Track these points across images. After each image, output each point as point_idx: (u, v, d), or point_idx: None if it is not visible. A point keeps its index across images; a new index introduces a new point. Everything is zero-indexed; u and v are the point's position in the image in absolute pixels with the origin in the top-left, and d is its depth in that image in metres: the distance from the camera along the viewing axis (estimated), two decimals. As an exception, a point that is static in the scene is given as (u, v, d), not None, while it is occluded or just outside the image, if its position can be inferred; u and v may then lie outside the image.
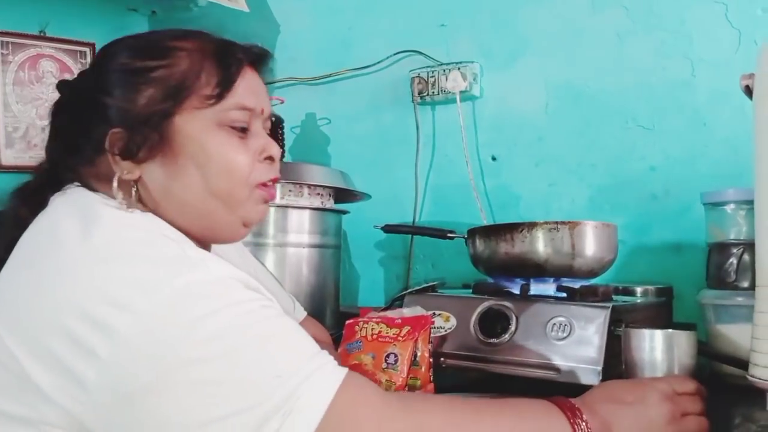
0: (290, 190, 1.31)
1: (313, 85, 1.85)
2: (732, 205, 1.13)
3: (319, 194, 1.34)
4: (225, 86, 0.70)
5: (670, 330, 0.84)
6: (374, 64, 1.74)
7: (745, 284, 1.09)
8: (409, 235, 1.65)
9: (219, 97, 0.69)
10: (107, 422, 0.57)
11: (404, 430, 0.59)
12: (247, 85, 0.73)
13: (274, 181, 0.76)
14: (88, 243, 0.62)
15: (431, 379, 1.04)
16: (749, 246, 1.08)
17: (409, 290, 1.20)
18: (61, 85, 0.78)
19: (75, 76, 0.79)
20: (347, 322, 1.09)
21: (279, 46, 1.93)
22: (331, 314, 1.38)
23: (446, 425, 0.61)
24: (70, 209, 0.67)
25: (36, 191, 0.73)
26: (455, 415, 0.62)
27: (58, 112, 0.77)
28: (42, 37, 1.91)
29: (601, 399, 0.71)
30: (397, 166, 1.70)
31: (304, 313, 1.04)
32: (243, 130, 0.72)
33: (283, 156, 1.70)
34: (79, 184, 0.73)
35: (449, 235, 1.31)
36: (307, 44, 1.88)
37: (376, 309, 1.19)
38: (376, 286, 1.74)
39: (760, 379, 0.75)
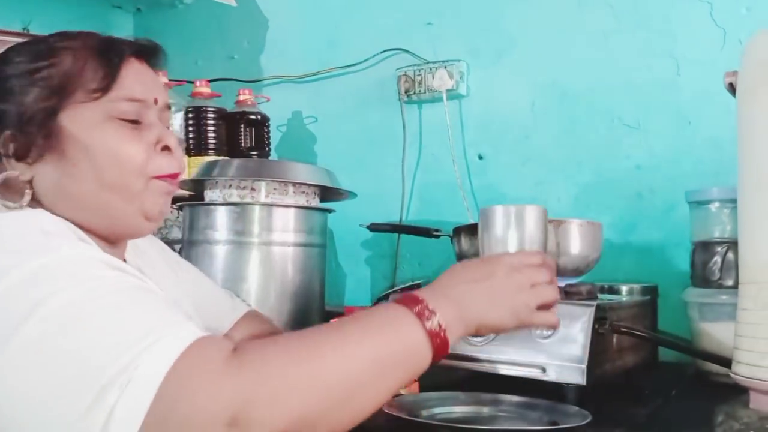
0: (275, 189, 1.30)
1: (300, 83, 1.84)
2: (716, 204, 1.13)
3: (304, 192, 1.34)
4: (109, 79, 0.70)
5: (521, 205, 0.86)
6: (361, 63, 1.73)
7: (730, 282, 1.10)
8: (396, 234, 1.64)
9: (104, 90, 0.70)
10: None
11: (241, 388, 0.55)
12: (136, 77, 0.73)
13: (174, 176, 0.75)
14: None
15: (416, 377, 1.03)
16: (733, 244, 1.09)
17: (394, 289, 1.20)
18: None
19: None
20: (330, 321, 1.08)
21: (265, 43, 1.92)
22: (317, 313, 1.37)
23: (286, 368, 0.57)
24: None
25: None
26: (294, 354, 0.58)
27: None
28: (26, 35, 1.88)
29: (449, 283, 0.71)
30: (384, 165, 1.70)
31: (245, 308, 0.99)
32: (135, 122, 0.73)
33: (268, 154, 1.70)
34: None
35: (435, 233, 1.30)
36: (294, 42, 1.87)
37: (362, 308, 1.19)
38: (362, 285, 1.74)
39: (743, 376, 0.75)
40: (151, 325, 0.57)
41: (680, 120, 1.38)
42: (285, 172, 1.32)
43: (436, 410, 0.92)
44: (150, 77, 0.76)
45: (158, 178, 0.73)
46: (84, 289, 0.59)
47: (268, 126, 1.69)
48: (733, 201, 1.08)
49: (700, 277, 1.14)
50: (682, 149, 1.37)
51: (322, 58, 1.80)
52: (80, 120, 0.70)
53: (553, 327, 0.81)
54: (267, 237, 1.29)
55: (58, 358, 0.55)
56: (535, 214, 0.86)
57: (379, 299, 1.30)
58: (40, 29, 1.91)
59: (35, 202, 0.72)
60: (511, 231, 0.85)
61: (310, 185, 1.34)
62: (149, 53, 0.76)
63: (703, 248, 1.14)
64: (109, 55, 0.72)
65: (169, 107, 0.78)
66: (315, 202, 1.37)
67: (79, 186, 0.70)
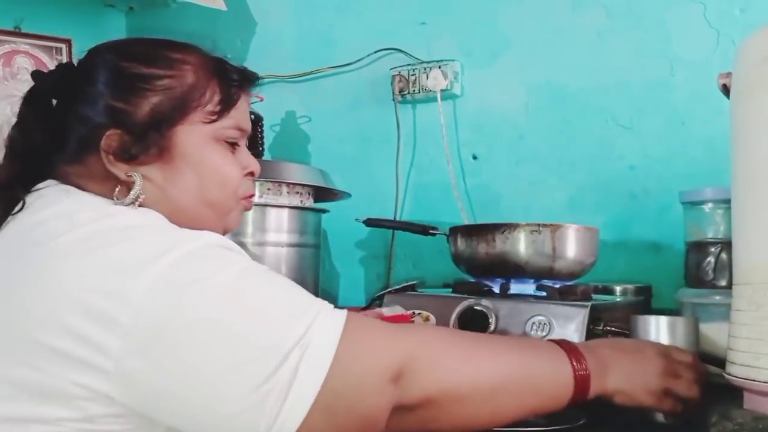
0: (269, 189, 1.29)
1: (293, 82, 1.84)
2: (710, 204, 1.13)
3: (298, 193, 1.33)
4: (227, 107, 0.75)
5: (674, 317, 0.89)
6: (354, 62, 1.73)
7: (723, 283, 1.10)
8: (390, 234, 1.64)
9: (220, 115, 0.74)
10: (135, 391, 0.58)
11: (407, 347, 0.63)
12: (243, 107, 0.79)
13: (251, 196, 0.83)
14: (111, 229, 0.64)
15: (410, 378, 1.03)
16: (727, 245, 1.09)
17: (389, 289, 1.20)
18: (46, 77, 0.77)
19: (54, 68, 0.79)
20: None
21: (258, 42, 1.92)
22: (311, 314, 1.36)
23: (447, 345, 0.65)
24: (78, 206, 0.68)
25: (8, 187, 0.72)
26: (456, 337, 0.68)
27: (36, 102, 0.76)
28: (17, 33, 1.87)
29: (603, 345, 0.76)
30: (378, 165, 1.69)
31: None
32: (233, 146, 0.78)
33: (262, 155, 1.69)
34: (56, 181, 0.73)
35: (431, 231, 1.30)
36: (287, 41, 1.86)
37: (356, 309, 1.19)
38: (356, 285, 1.73)
39: (737, 377, 0.75)
40: (308, 299, 0.64)
41: (674, 120, 1.38)
42: (279, 173, 1.31)
43: None
44: (248, 107, 0.81)
45: (243, 199, 0.80)
46: (240, 268, 0.62)
47: (261, 126, 1.68)
48: (727, 201, 1.08)
49: (694, 277, 1.14)
50: (675, 150, 1.37)
51: (315, 57, 1.79)
52: (194, 135, 0.73)
53: (675, 415, 0.79)
54: (261, 237, 1.29)
55: (239, 328, 0.59)
56: (688, 325, 0.87)
57: (374, 300, 1.30)
58: (32, 28, 1.90)
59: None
60: (666, 340, 0.85)
61: (304, 185, 1.33)
62: (254, 85, 0.81)
63: (697, 249, 1.14)
64: (229, 84, 0.76)
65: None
66: (309, 202, 1.37)
67: (182, 196, 0.73)
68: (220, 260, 0.63)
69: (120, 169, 0.71)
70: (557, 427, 0.82)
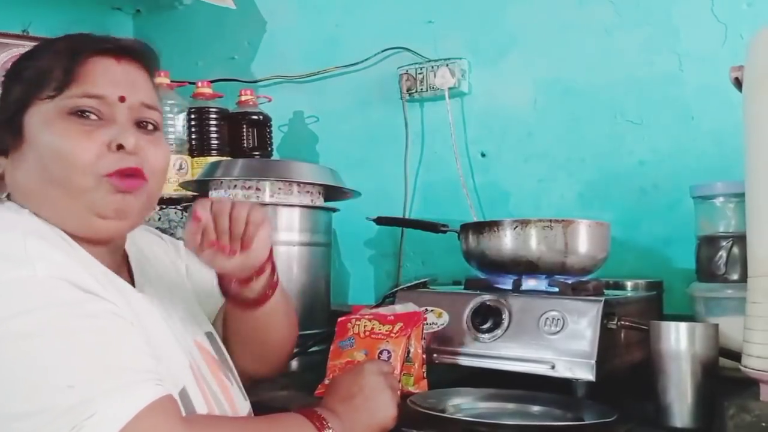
0: (279, 188, 1.30)
1: (301, 83, 1.84)
2: (721, 198, 1.13)
3: (308, 192, 1.34)
4: (66, 76, 0.70)
5: (693, 323, 0.89)
6: (362, 62, 1.73)
7: (735, 276, 1.10)
8: (399, 233, 1.65)
9: (62, 86, 0.70)
10: None
11: None
12: (102, 74, 0.73)
13: (130, 171, 0.73)
14: None
15: (425, 375, 1.04)
16: (738, 238, 1.09)
17: (401, 287, 1.20)
18: None
19: None
20: (339, 319, 1.09)
21: (266, 43, 1.92)
22: (323, 312, 1.37)
23: None
24: None
25: None
26: None
27: None
28: (25, 37, 1.88)
29: (337, 401, 0.84)
30: (386, 164, 1.70)
31: None
32: (88, 118, 0.72)
33: (270, 154, 1.70)
34: None
35: (442, 228, 1.31)
36: (294, 42, 1.87)
37: (368, 306, 1.19)
38: (365, 284, 1.74)
39: (754, 369, 0.76)
40: (110, 370, 0.60)
41: (683, 115, 1.38)
42: (289, 172, 1.32)
43: (463, 406, 0.93)
44: (123, 76, 0.74)
45: (110, 176, 0.72)
46: (51, 315, 0.60)
47: (270, 126, 1.69)
48: (738, 195, 1.08)
49: (706, 271, 1.15)
50: (685, 144, 1.37)
51: (322, 57, 1.80)
52: (37, 116, 0.71)
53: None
54: (272, 237, 1.29)
55: (14, 383, 0.57)
56: (707, 332, 0.88)
57: (386, 297, 1.31)
58: (39, 32, 1.90)
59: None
60: (684, 346, 0.86)
61: (314, 185, 1.34)
62: (123, 51, 0.75)
63: (708, 243, 1.15)
64: (74, 54, 0.71)
65: (152, 106, 0.77)
66: (319, 201, 1.37)
67: (26, 178, 0.72)
68: (33, 300, 0.60)
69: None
70: (590, 422, 0.82)
